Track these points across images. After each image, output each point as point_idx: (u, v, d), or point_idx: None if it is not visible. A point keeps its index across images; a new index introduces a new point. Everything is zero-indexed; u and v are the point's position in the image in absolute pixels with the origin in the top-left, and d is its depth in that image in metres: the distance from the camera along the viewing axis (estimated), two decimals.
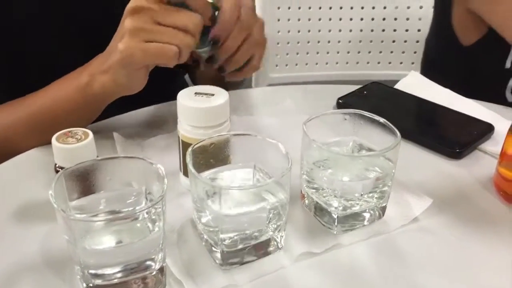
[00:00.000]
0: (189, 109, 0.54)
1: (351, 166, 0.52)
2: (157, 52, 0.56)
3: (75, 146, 0.49)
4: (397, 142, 0.50)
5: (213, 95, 0.55)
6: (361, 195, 0.51)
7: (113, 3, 0.67)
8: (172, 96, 0.58)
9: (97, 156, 0.52)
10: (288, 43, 1.31)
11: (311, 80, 1.35)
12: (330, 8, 1.29)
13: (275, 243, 0.49)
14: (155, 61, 0.58)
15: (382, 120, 0.52)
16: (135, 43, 0.56)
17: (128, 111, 0.72)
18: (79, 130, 0.51)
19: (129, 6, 0.56)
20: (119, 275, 0.44)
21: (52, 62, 0.68)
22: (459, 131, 0.67)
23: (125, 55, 0.56)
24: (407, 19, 1.28)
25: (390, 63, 1.34)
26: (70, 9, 0.70)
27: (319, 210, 0.53)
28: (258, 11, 1.25)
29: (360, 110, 0.54)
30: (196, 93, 0.55)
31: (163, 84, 0.78)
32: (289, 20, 1.28)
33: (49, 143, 0.55)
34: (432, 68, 1.06)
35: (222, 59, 0.62)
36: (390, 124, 0.52)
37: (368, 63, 1.34)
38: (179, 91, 0.56)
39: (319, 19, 1.30)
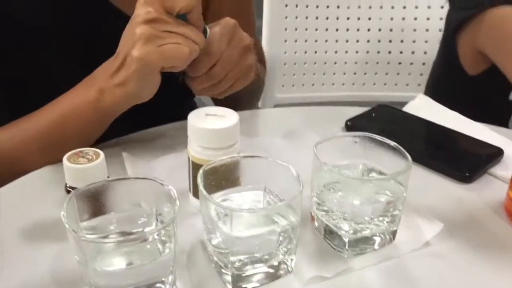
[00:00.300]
0: (199, 130, 0.54)
1: (361, 189, 0.52)
2: (172, 54, 0.57)
3: (86, 166, 0.49)
4: (409, 166, 0.50)
5: (224, 116, 0.55)
6: (372, 218, 0.51)
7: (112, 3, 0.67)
8: (181, 118, 0.58)
9: (108, 177, 0.52)
10: (295, 63, 1.32)
11: (317, 101, 1.36)
12: (337, 29, 1.30)
13: (285, 266, 0.49)
14: (171, 63, 0.59)
15: (392, 143, 0.52)
16: (150, 48, 0.56)
17: (136, 131, 0.73)
18: (90, 150, 0.52)
19: (142, 16, 0.57)
20: None
21: (51, 62, 0.69)
22: (469, 155, 0.67)
23: (143, 61, 0.57)
24: (414, 41, 1.29)
25: (396, 84, 1.35)
26: (70, 9, 0.70)
27: (329, 233, 0.53)
28: (266, 31, 1.27)
29: (370, 133, 0.54)
30: (207, 114, 0.55)
31: (172, 106, 0.78)
32: (296, 41, 1.29)
33: (58, 161, 0.56)
34: (437, 91, 1.07)
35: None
36: (401, 148, 0.52)
37: (374, 84, 1.35)
38: (187, 112, 0.56)
39: (326, 41, 1.31)
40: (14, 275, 0.48)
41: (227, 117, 0.55)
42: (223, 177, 0.51)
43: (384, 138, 0.53)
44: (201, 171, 0.48)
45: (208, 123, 0.54)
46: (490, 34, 0.89)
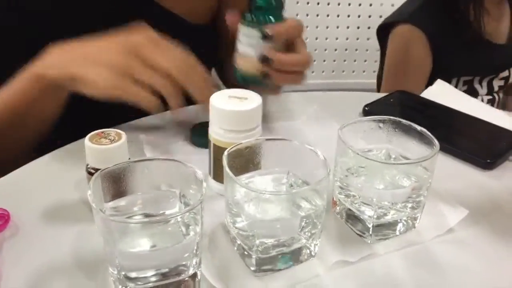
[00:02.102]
0: (222, 112, 0.53)
1: (385, 174, 0.51)
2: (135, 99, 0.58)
3: (109, 147, 0.48)
4: (436, 151, 0.49)
5: (246, 99, 0.54)
6: (396, 204, 0.51)
7: None
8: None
9: (129, 158, 0.52)
10: None
11: (330, 88, 1.35)
12: (348, 16, 1.29)
13: (308, 251, 0.48)
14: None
15: (419, 128, 0.52)
16: (120, 82, 0.57)
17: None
18: (112, 131, 0.51)
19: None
20: (153, 279, 0.43)
21: None
22: (490, 141, 0.67)
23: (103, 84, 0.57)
24: None
25: None
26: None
27: (352, 218, 0.52)
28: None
29: (397, 118, 0.53)
30: (229, 96, 0.54)
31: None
32: (307, 27, 1.28)
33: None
34: None
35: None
36: (428, 133, 0.51)
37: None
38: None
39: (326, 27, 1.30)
40: (35, 256, 0.47)
41: (249, 100, 0.54)
42: (246, 160, 0.50)
43: (411, 123, 0.52)
44: (226, 153, 0.47)
45: (231, 105, 0.53)
46: None
